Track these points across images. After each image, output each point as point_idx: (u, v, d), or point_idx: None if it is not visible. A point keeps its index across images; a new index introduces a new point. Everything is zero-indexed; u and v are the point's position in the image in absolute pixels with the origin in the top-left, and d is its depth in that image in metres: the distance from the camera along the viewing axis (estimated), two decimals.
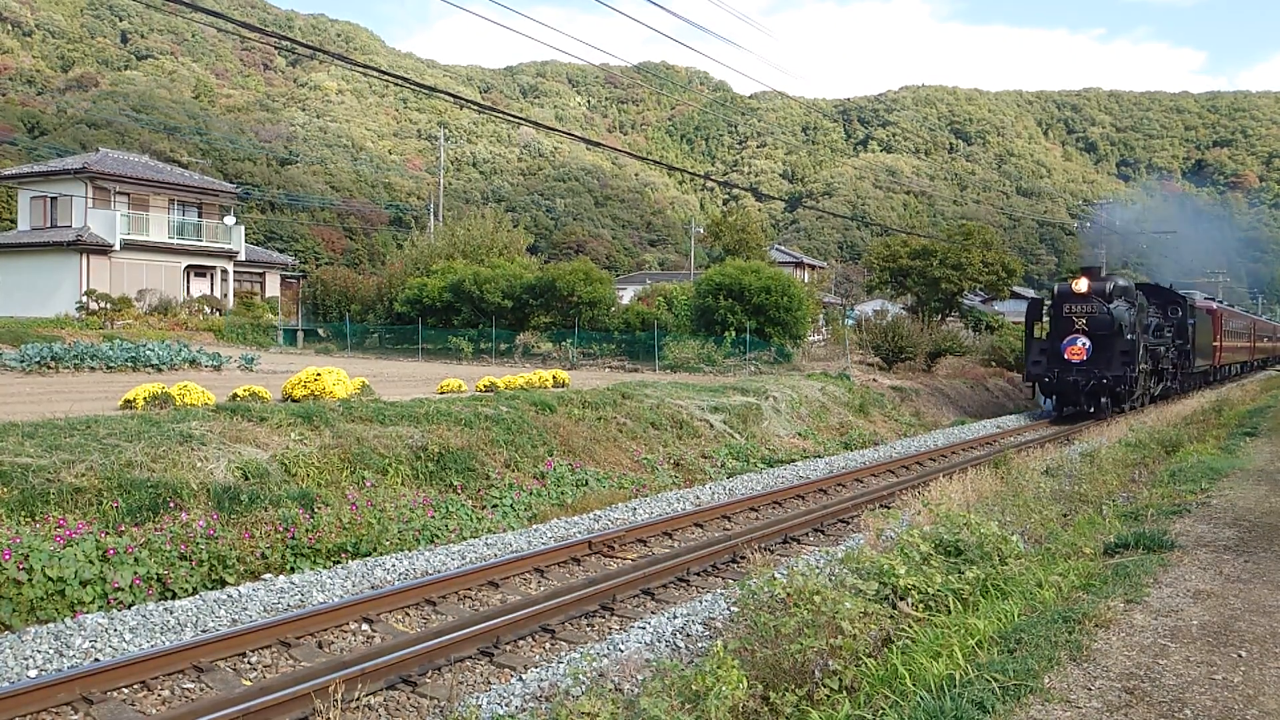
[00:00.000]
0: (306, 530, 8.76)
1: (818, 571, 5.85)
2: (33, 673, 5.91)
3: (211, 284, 44.25)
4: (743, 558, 8.92)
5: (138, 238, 40.71)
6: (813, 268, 65.17)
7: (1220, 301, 42.45)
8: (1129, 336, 22.12)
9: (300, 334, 40.77)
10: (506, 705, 5.44)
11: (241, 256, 45.54)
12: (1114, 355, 21.91)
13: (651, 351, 30.58)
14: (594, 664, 5.70)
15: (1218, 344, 34.48)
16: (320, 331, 41.25)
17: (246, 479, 9.52)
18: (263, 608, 7.27)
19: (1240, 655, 4.70)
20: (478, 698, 5.59)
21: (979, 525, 6.68)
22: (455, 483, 11.47)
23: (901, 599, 5.55)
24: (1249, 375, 45.32)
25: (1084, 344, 21.93)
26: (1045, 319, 23.94)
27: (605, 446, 14.26)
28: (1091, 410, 22.28)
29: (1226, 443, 14.00)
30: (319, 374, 14.39)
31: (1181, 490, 9.63)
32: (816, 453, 17.44)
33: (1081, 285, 22.40)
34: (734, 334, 29.63)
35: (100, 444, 9.12)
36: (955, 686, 4.17)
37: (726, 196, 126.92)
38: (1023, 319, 27.06)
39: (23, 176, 44.06)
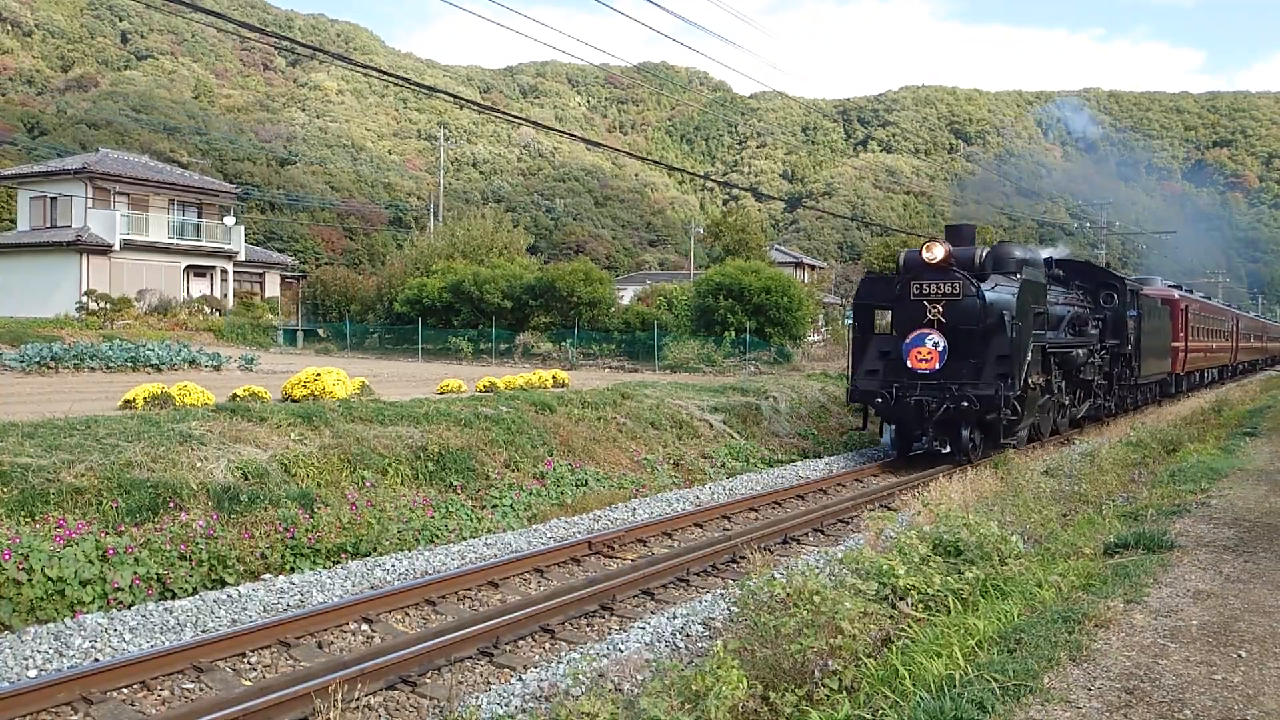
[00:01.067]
0: (306, 530, 8.76)
1: (817, 571, 5.85)
2: (32, 673, 5.91)
3: (211, 284, 44.25)
4: (742, 558, 8.90)
5: (137, 238, 40.71)
6: (813, 268, 65.19)
7: (1188, 290, 32.79)
8: (1011, 334, 14.03)
9: (300, 334, 40.81)
10: (506, 705, 5.44)
11: (241, 257, 45.55)
12: (985, 362, 14.20)
13: (651, 351, 30.59)
14: (594, 664, 5.70)
15: (1179, 344, 26.85)
16: (320, 332, 41.28)
17: (246, 479, 9.52)
18: (262, 608, 7.27)
19: (1240, 655, 4.70)
20: (477, 698, 5.59)
21: (978, 525, 6.68)
22: (455, 483, 11.47)
23: (901, 599, 5.56)
24: (1233, 382, 36.11)
25: (935, 344, 14.17)
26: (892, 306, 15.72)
27: (605, 447, 14.26)
28: (946, 450, 14.60)
29: (1226, 443, 14.00)
30: (319, 374, 14.39)
31: (1181, 490, 9.63)
32: (816, 453, 17.44)
33: (935, 252, 14.29)
34: (734, 334, 29.65)
35: (100, 444, 9.12)
36: (955, 686, 4.17)
37: (726, 196, 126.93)
38: None
39: (23, 176, 44.08)
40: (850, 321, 16.57)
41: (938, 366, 14.21)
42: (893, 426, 15.80)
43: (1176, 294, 28.12)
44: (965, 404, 13.89)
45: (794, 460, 16.23)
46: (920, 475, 13.76)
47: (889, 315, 16.17)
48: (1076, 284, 19.66)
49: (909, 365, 14.38)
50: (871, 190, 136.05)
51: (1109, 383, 20.48)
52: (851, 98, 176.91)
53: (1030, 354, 14.56)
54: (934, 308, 14.44)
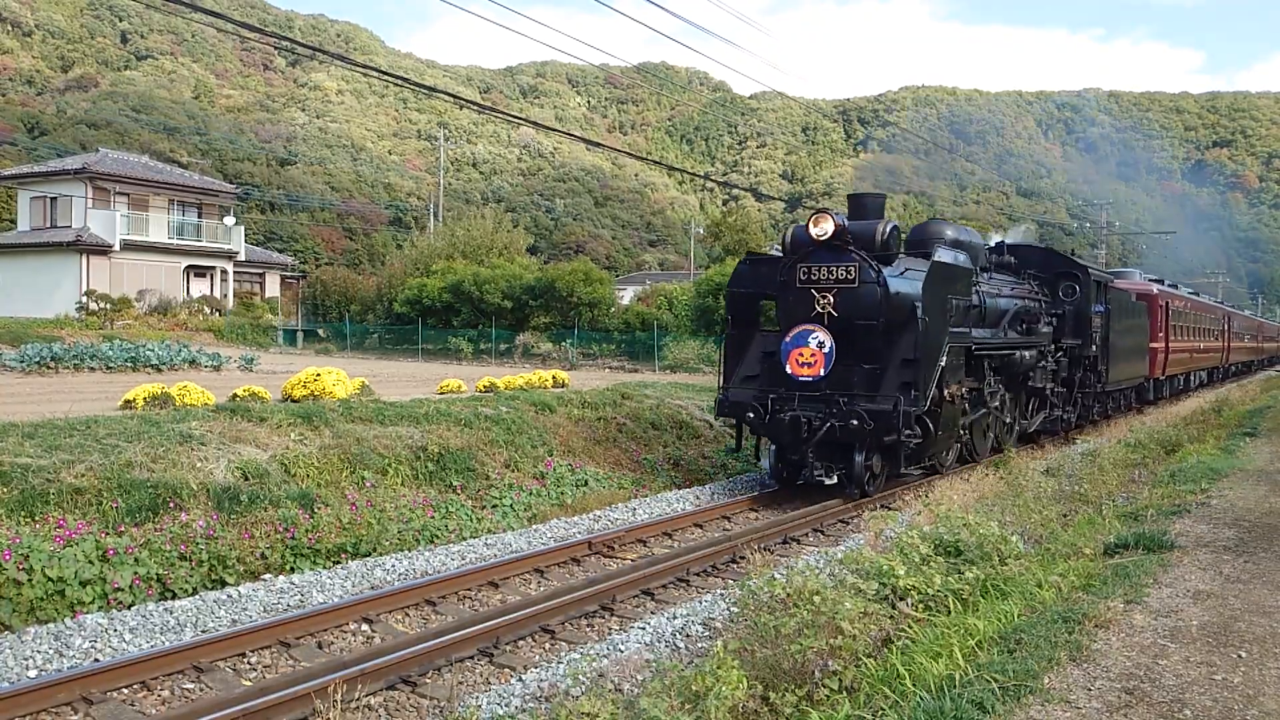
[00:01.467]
0: (306, 530, 8.76)
1: (818, 572, 5.85)
2: (32, 673, 5.91)
3: (211, 284, 44.28)
4: (742, 558, 8.91)
5: (137, 238, 40.76)
6: None
7: (1171, 285, 29.24)
8: (918, 332, 11.06)
9: (300, 334, 40.87)
10: (506, 705, 5.44)
11: (241, 257, 45.59)
12: (887, 367, 11.31)
13: (651, 352, 30.61)
14: (594, 664, 5.70)
15: (1159, 345, 24.03)
16: (320, 332, 41.33)
17: (246, 479, 9.53)
18: (262, 608, 7.27)
19: (1240, 656, 4.70)
20: (478, 698, 5.59)
21: (979, 526, 6.69)
22: (455, 483, 11.47)
23: (901, 599, 5.56)
24: (1224, 386, 33.04)
25: (820, 344, 11.31)
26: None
27: (605, 447, 14.26)
28: (832, 480, 11.51)
29: (1226, 443, 14.02)
30: (319, 374, 14.40)
31: (1181, 490, 9.64)
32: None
33: (824, 226, 11.36)
34: None
35: (100, 444, 9.12)
36: (955, 687, 4.17)
37: (726, 197, 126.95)
38: None
39: (23, 177, 44.14)
40: (727, 317, 13.14)
41: (822, 373, 11.30)
42: (773, 448, 12.44)
43: (1155, 288, 25.08)
44: (854, 422, 10.94)
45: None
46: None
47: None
48: (1030, 273, 16.68)
49: (788, 370, 11.49)
50: (872, 190, 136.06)
51: (1068, 390, 17.63)
52: (851, 98, 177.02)
53: (947, 357, 11.62)
54: (824, 297, 11.47)
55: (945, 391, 11.77)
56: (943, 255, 12.16)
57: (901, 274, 11.46)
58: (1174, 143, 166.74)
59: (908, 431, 11.12)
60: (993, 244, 16.50)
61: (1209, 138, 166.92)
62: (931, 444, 11.92)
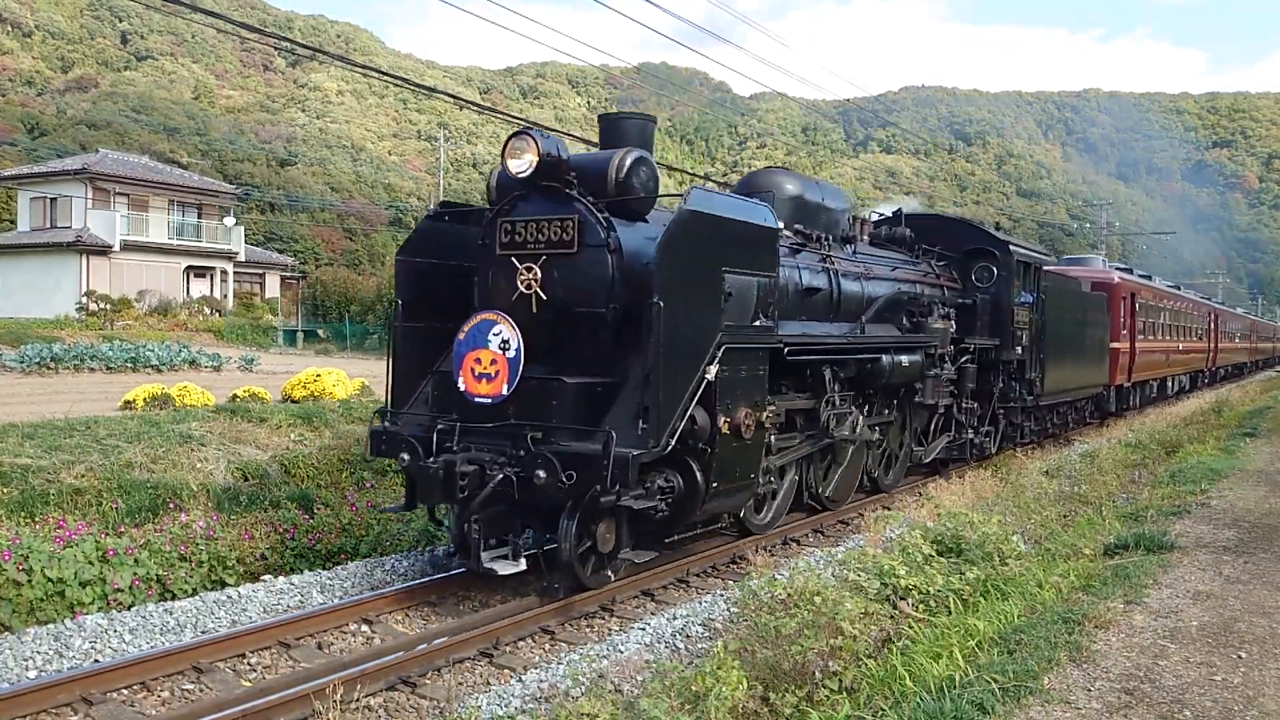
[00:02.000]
0: (306, 531, 8.76)
1: (818, 572, 5.85)
2: (32, 673, 5.91)
3: (211, 285, 44.29)
4: (742, 558, 8.92)
5: (137, 238, 40.77)
6: None
7: (1145, 276, 24.87)
8: (656, 326, 6.55)
9: (300, 335, 40.86)
10: (506, 706, 5.44)
11: (241, 257, 45.60)
12: (624, 384, 6.96)
13: None
14: (593, 665, 5.70)
15: (1122, 345, 19.88)
16: (320, 332, 41.34)
17: (246, 480, 9.54)
18: (262, 609, 7.27)
19: (1240, 656, 4.70)
20: (477, 698, 5.59)
21: (980, 526, 6.69)
22: None
23: (902, 599, 5.57)
24: (1211, 391, 29.49)
25: (504, 344, 7.15)
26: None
27: None
28: (517, 567, 7.15)
29: (1226, 443, 14.02)
30: (319, 375, 14.42)
31: (1181, 491, 9.64)
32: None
33: (522, 158, 7.14)
34: None
35: (100, 445, 9.14)
36: (955, 687, 4.17)
37: None
38: None
39: (22, 177, 44.14)
40: (395, 305, 8.25)
41: (504, 391, 7.19)
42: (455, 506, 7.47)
43: (1117, 277, 20.54)
44: (543, 474, 6.55)
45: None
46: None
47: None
48: (933, 251, 12.86)
49: (461, 386, 7.40)
50: (872, 191, 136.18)
51: (982, 405, 13.57)
52: (852, 98, 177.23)
53: (719, 365, 7.24)
54: (528, 270, 7.33)
55: (724, 420, 7.32)
56: (707, 204, 7.56)
57: (658, 232, 7.19)
58: (1174, 143, 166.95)
59: (630, 491, 6.71)
60: (887, 212, 13.41)
61: (1209, 138, 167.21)
62: (700, 501, 7.39)
